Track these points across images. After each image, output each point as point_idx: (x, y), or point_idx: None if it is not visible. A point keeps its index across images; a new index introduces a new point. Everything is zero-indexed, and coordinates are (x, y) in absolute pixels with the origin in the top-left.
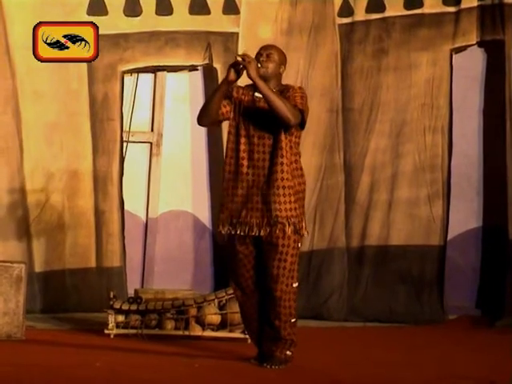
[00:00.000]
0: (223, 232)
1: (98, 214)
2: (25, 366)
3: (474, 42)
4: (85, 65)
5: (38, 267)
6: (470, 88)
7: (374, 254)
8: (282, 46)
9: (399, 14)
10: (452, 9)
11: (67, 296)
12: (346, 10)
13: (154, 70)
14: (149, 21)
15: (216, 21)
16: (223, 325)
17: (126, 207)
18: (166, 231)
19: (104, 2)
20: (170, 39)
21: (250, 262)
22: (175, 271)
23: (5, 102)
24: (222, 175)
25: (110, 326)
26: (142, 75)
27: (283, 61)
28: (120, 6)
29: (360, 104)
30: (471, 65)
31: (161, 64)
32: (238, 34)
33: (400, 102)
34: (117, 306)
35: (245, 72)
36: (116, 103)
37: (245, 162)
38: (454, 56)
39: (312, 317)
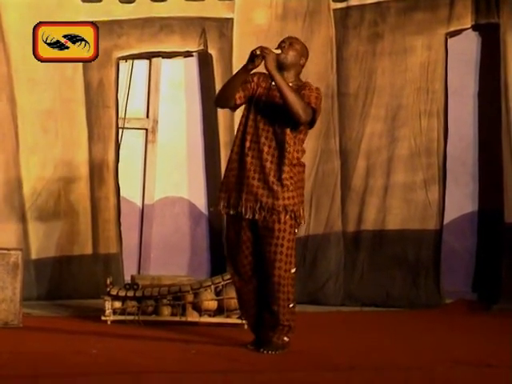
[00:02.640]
0: (223, 212)
1: (94, 201)
2: (22, 353)
3: (469, 26)
4: None
5: (35, 254)
6: (465, 72)
7: (371, 238)
8: (277, 31)
9: None
10: None
11: (64, 283)
12: None
13: (149, 56)
14: (143, 7)
15: (211, 6)
16: (220, 310)
17: (121, 194)
18: (162, 217)
19: None
20: (165, 25)
21: (247, 247)
22: (171, 257)
23: (0, 90)
24: (229, 155)
25: (107, 312)
26: (137, 61)
27: (305, 53)
28: None
29: (355, 89)
30: (466, 48)
31: (156, 50)
32: (232, 19)
33: (395, 86)
34: (113, 292)
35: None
36: (111, 90)
37: (248, 145)
38: (448, 40)
39: (309, 302)
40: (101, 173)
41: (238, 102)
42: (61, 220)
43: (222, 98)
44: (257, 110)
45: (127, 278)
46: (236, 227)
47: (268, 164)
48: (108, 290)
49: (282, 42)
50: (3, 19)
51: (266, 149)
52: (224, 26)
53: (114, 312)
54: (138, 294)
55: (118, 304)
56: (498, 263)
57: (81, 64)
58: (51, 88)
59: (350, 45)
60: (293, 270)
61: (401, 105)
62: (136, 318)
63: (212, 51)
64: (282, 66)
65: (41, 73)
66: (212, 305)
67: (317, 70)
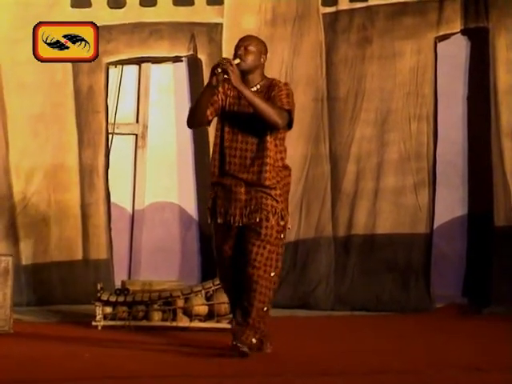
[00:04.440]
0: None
1: (84, 207)
2: (13, 358)
3: (458, 30)
4: None
5: (25, 260)
6: (455, 76)
7: (361, 242)
8: (266, 36)
9: (383, 2)
10: None
11: (54, 288)
12: None
13: (138, 61)
14: (132, 12)
15: (200, 12)
16: (210, 315)
17: (112, 199)
18: (152, 223)
19: None
20: (154, 30)
21: (232, 247)
22: (162, 262)
23: None
24: (210, 171)
25: (98, 317)
26: (126, 67)
27: (263, 50)
28: None
29: (345, 93)
30: (455, 53)
31: (145, 55)
32: (222, 24)
33: (385, 90)
34: (104, 297)
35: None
36: (101, 95)
37: (227, 158)
38: (438, 44)
39: (299, 306)
40: (91, 178)
41: (210, 117)
42: (51, 225)
43: (194, 119)
44: (231, 120)
45: (118, 284)
46: (224, 235)
47: (252, 169)
48: (98, 295)
49: (237, 47)
50: None
51: (248, 155)
52: (213, 31)
53: (105, 317)
54: (129, 299)
55: (108, 309)
56: (488, 267)
57: (71, 69)
58: (41, 93)
59: (339, 49)
60: (273, 274)
61: (390, 109)
62: (127, 323)
63: (201, 56)
64: (244, 73)
65: (30, 77)
66: (202, 310)
67: (306, 75)
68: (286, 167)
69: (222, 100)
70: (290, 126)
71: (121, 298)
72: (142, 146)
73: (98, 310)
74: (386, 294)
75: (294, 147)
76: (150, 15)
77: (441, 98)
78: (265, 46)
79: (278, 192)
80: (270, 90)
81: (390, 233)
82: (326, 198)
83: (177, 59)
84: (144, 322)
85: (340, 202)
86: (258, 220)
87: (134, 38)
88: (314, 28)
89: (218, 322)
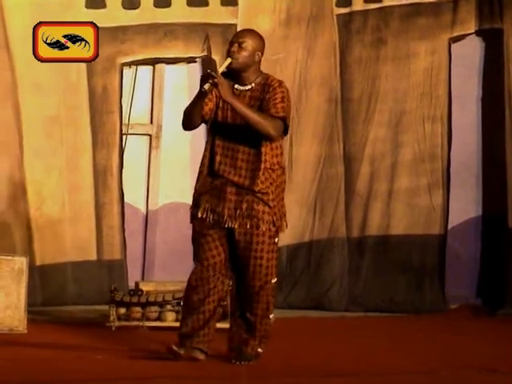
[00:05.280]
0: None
1: (98, 207)
2: (27, 359)
3: (473, 31)
4: None
5: (39, 260)
6: (469, 77)
7: (375, 243)
8: (280, 36)
9: (397, 3)
10: None
11: (68, 289)
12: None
13: (152, 62)
14: (147, 13)
15: (214, 12)
16: (224, 316)
17: (126, 200)
18: (166, 223)
19: None
20: (169, 31)
21: (222, 244)
22: (175, 263)
23: (4, 96)
24: (199, 170)
25: (111, 318)
26: (140, 67)
27: (259, 47)
28: None
29: (359, 94)
30: (470, 54)
31: (159, 56)
32: (236, 25)
33: (399, 91)
34: (118, 298)
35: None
36: (115, 96)
37: (218, 158)
38: (452, 45)
39: (313, 307)
40: (105, 179)
41: (207, 117)
42: (65, 226)
43: (189, 124)
44: (224, 121)
45: (131, 284)
46: (209, 227)
47: (244, 172)
48: (112, 296)
49: (231, 43)
50: (7, 25)
51: (240, 156)
52: (228, 32)
53: (119, 318)
54: (143, 299)
55: (122, 310)
56: (502, 268)
57: (85, 70)
58: (55, 94)
59: (353, 50)
60: (273, 281)
61: (404, 110)
62: (140, 323)
63: (215, 57)
64: (237, 71)
65: (45, 79)
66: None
67: (320, 75)
68: (281, 170)
69: (216, 96)
70: (285, 132)
71: (134, 299)
72: (155, 146)
73: (112, 311)
74: (400, 295)
75: (308, 148)
76: (164, 16)
77: (455, 99)
78: (261, 41)
79: (271, 197)
80: (264, 90)
81: (403, 234)
82: (339, 199)
83: (191, 60)
84: (158, 323)
85: (354, 203)
86: (248, 227)
87: (148, 38)
88: (328, 29)
89: None
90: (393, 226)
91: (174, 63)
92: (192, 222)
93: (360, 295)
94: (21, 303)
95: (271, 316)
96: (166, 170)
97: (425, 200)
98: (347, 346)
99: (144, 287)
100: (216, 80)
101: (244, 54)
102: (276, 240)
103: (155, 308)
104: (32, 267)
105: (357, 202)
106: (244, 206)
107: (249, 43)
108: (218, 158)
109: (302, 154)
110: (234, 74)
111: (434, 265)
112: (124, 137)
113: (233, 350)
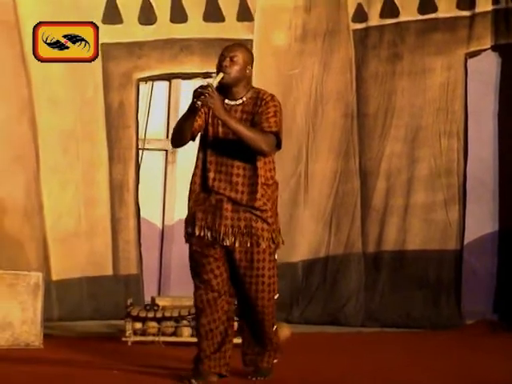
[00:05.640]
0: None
1: (115, 222)
2: (43, 374)
3: (489, 46)
4: (100, 73)
5: (55, 275)
6: (485, 92)
7: (391, 259)
8: (296, 52)
9: (413, 18)
10: (466, 13)
11: (84, 304)
12: (360, 15)
13: (168, 77)
14: (163, 28)
15: (230, 28)
16: (240, 331)
17: (142, 214)
18: (182, 238)
19: (119, 11)
20: (185, 47)
21: (223, 263)
22: (191, 278)
23: (21, 111)
24: (190, 187)
25: (128, 333)
26: (156, 83)
27: (249, 61)
28: (135, 14)
29: (375, 109)
30: (486, 69)
31: (175, 71)
32: (252, 40)
33: (415, 106)
34: (134, 313)
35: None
36: (131, 111)
37: (212, 174)
38: (468, 60)
39: (329, 322)
40: (121, 193)
41: (196, 133)
42: (81, 241)
43: (179, 140)
44: (215, 137)
45: (147, 299)
46: (207, 246)
47: (240, 188)
48: (128, 310)
49: (222, 57)
50: (25, 42)
51: (234, 171)
52: (252, 54)
53: (135, 333)
54: (159, 314)
55: (138, 325)
56: None
57: (101, 85)
58: (72, 109)
59: (369, 65)
60: (276, 296)
61: (420, 125)
62: (156, 339)
63: None
64: (229, 86)
65: (61, 94)
66: (234, 326)
67: (336, 90)
68: (275, 182)
69: (206, 113)
70: (278, 146)
71: (150, 314)
72: (171, 161)
73: (128, 326)
74: (416, 310)
75: (324, 163)
76: (180, 31)
77: (471, 115)
78: (251, 55)
79: (269, 214)
80: (256, 103)
81: (420, 249)
82: (355, 214)
83: (207, 75)
84: (173, 338)
85: (370, 218)
86: (248, 245)
87: (164, 53)
88: (344, 44)
89: None
90: (409, 241)
91: (190, 78)
92: (189, 240)
93: (376, 310)
94: (37, 318)
95: (274, 328)
96: (182, 184)
97: (441, 215)
98: (363, 362)
99: (160, 302)
100: (209, 96)
101: (236, 68)
102: (276, 256)
103: (171, 323)
104: (48, 282)
105: (373, 217)
106: (242, 224)
107: (240, 57)
108: (211, 175)
109: (317, 169)
110: (224, 89)
111: (450, 280)
112: (140, 152)
113: (248, 365)
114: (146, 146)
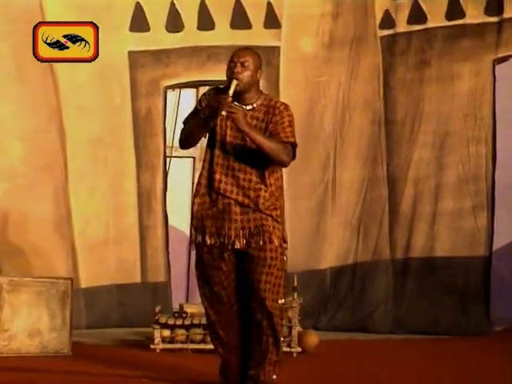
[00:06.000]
0: (193, 247)
1: (143, 230)
2: (72, 381)
3: None
4: (128, 80)
5: (84, 283)
6: None
7: (419, 265)
8: (323, 58)
9: (441, 24)
10: (494, 19)
11: (112, 311)
12: (388, 21)
13: (196, 85)
14: (191, 36)
15: (257, 35)
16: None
17: (169, 222)
18: None
19: (146, 18)
20: (212, 54)
21: (231, 273)
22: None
23: (49, 118)
24: (195, 190)
25: (156, 340)
26: (184, 90)
27: (259, 65)
28: (162, 22)
29: (403, 116)
30: None
31: (203, 79)
32: (279, 47)
33: (443, 113)
34: (162, 320)
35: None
36: (159, 118)
37: (218, 176)
38: (496, 66)
39: (357, 329)
40: (149, 201)
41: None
42: (110, 248)
43: (190, 143)
44: (223, 140)
45: (175, 307)
46: (213, 258)
47: (248, 192)
48: (157, 318)
49: (233, 63)
50: None
51: (241, 175)
52: (271, 55)
53: (163, 340)
54: (187, 322)
55: (166, 332)
56: None
57: (129, 92)
58: (100, 117)
59: (396, 72)
60: (281, 301)
61: (448, 132)
62: (185, 346)
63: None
64: (241, 92)
65: (89, 101)
66: None
67: (364, 97)
68: (281, 188)
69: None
70: (293, 157)
71: (179, 321)
72: (199, 168)
73: (156, 333)
74: (445, 317)
75: (352, 170)
76: (207, 39)
77: (499, 121)
78: (260, 59)
79: (278, 213)
80: (269, 111)
81: (448, 256)
82: (383, 221)
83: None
84: (202, 346)
85: (398, 225)
86: (261, 243)
87: (191, 61)
88: (372, 51)
89: None
90: (437, 247)
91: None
92: (198, 249)
93: (405, 317)
94: (66, 326)
95: (281, 339)
96: None
97: (469, 222)
98: (392, 369)
99: (188, 309)
100: (232, 107)
101: (248, 73)
102: (285, 258)
103: (199, 330)
104: (77, 290)
105: (401, 224)
106: (252, 224)
107: (251, 61)
108: (217, 177)
109: (345, 177)
110: (235, 94)
111: (478, 287)
112: (168, 159)
113: (249, 378)
114: (174, 154)
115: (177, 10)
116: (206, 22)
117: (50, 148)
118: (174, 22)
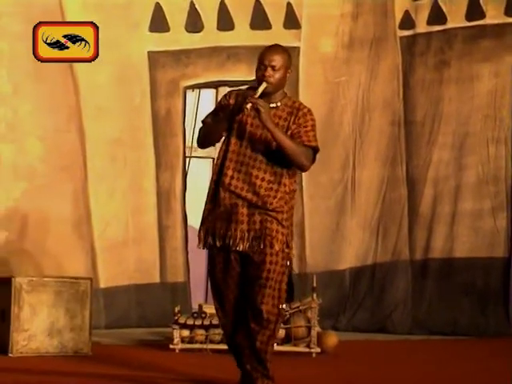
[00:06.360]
0: (200, 246)
1: (162, 230)
2: (91, 382)
3: None
4: (147, 80)
5: (103, 283)
6: None
7: (438, 266)
8: (343, 59)
9: (461, 25)
10: None
11: (132, 311)
12: (407, 22)
13: (215, 85)
14: (210, 36)
15: (277, 35)
16: (287, 339)
17: (189, 222)
18: None
19: (166, 19)
20: (232, 54)
21: (234, 282)
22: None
23: (68, 119)
24: (210, 186)
25: (175, 341)
26: (203, 90)
27: (289, 64)
28: (182, 22)
29: (422, 116)
30: None
31: (222, 79)
32: (299, 48)
33: (462, 113)
34: (181, 321)
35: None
36: (178, 119)
37: (230, 172)
38: None
39: (377, 330)
40: (168, 201)
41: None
42: (129, 248)
43: (210, 141)
44: (241, 136)
45: (195, 307)
46: (222, 261)
47: (259, 190)
48: (176, 318)
49: (263, 66)
50: None
51: (254, 173)
52: (291, 55)
53: (182, 340)
54: (206, 322)
55: (185, 332)
56: None
57: (148, 93)
58: (119, 117)
59: (416, 72)
60: (281, 306)
61: (468, 132)
62: (204, 346)
63: None
64: (270, 92)
65: (109, 102)
66: (279, 333)
67: (383, 98)
68: (293, 196)
69: (232, 111)
70: (313, 161)
71: (198, 322)
72: None
73: (176, 333)
74: (464, 318)
75: (371, 170)
76: (227, 39)
77: None
78: (289, 56)
79: (285, 216)
80: (293, 112)
81: (467, 257)
82: (403, 222)
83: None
84: (221, 346)
85: (417, 226)
86: (262, 247)
87: (211, 61)
88: (391, 51)
89: (295, 345)
90: (456, 248)
91: (237, 86)
92: (210, 251)
93: (424, 318)
94: (85, 325)
95: (274, 346)
96: None
97: (489, 222)
98: (411, 369)
99: (208, 310)
100: (259, 106)
101: (278, 76)
102: (287, 263)
103: (219, 331)
104: (96, 290)
105: (420, 225)
106: (257, 226)
107: (280, 63)
108: (229, 172)
109: (364, 177)
110: (262, 94)
111: (498, 288)
112: (187, 159)
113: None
114: (193, 154)
115: (196, 10)
116: (225, 22)
117: (70, 148)
118: (194, 23)
